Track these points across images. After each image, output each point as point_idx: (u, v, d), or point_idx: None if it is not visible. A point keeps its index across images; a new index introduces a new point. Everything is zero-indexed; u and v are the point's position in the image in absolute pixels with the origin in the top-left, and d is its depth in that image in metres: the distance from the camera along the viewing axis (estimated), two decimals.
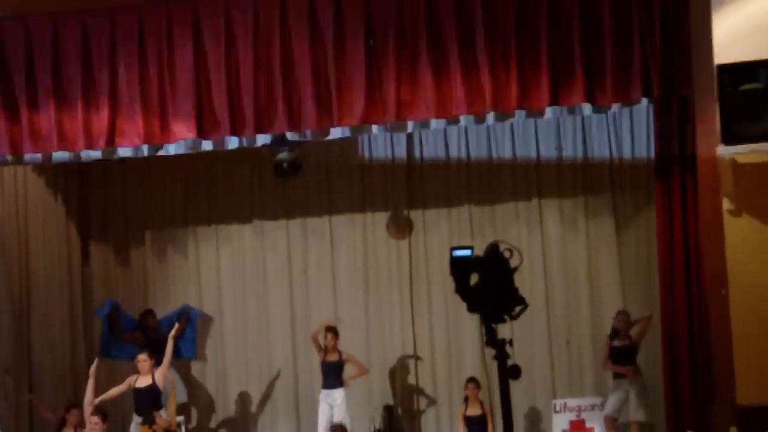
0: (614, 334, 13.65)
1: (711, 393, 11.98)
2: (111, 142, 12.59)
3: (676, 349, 12.33)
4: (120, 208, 16.10)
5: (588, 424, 13.02)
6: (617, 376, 13.58)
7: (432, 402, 15.24)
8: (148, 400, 13.18)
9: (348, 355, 14.23)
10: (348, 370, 14.23)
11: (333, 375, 14.11)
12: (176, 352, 14.00)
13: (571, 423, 13.10)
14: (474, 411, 13.53)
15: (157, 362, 13.19)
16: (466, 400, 13.64)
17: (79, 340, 15.42)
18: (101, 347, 14.97)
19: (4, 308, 14.22)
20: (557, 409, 13.30)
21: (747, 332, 11.27)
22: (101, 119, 12.49)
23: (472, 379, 13.67)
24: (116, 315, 15.01)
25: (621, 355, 13.53)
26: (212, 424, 15.60)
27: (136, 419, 13.25)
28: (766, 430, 9.49)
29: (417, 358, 15.33)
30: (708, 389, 12.03)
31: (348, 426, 13.77)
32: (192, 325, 15.21)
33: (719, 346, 11.70)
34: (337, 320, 14.47)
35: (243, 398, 15.63)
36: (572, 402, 13.34)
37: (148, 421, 12.60)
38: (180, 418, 13.99)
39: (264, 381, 15.63)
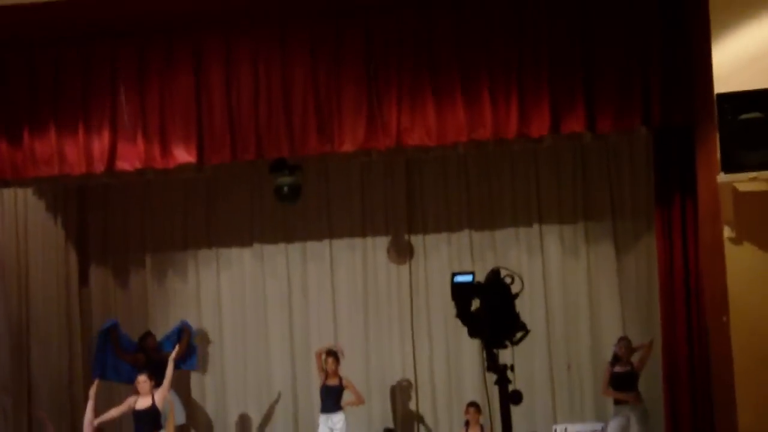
0: (615, 359, 13.64)
1: (711, 420, 11.96)
2: (111, 166, 12.63)
3: (677, 376, 12.31)
4: (119, 230, 16.10)
5: None
6: (618, 402, 13.56)
7: (433, 426, 15.22)
8: (148, 422, 13.17)
9: (348, 382, 14.20)
10: (346, 396, 14.21)
11: (332, 399, 14.09)
12: (180, 365, 14.00)
13: None
14: None
15: (157, 384, 13.18)
16: (467, 424, 13.63)
17: (77, 361, 15.39)
18: (94, 366, 14.85)
19: (3, 329, 14.24)
20: None
21: (748, 360, 11.25)
22: (102, 143, 12.54)
23: (473, 404, 13.67)
24: (116, 335, 14.97)
25: (622, 381, 13.51)
26: None
27: None
28: None
29: (416, 383, 15.31)
30: (708, 417, 12.01)
31: None
32: (192, 340, 15.14)
33: (720, 374, 11.68)
34: (339, 350, 14.43)
35: (243, 420, 15.60)
36: (572, 428, 13.31)
37: None
38: None
39: (263, 404, 15.61)
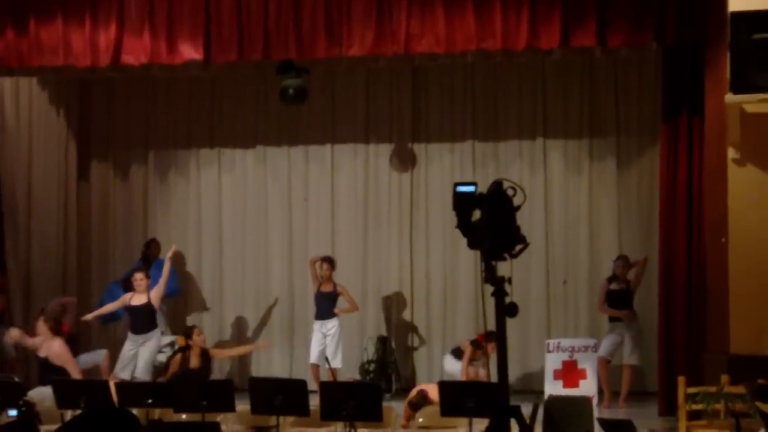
0: (613, 277, 13.67)
1: (704, 340, 12.05)
2: (116, 59, 12.56)
3: (673, 295, 12.37)
4: (122, 126, 16.06)
5: (580, 366, 13.06)
6: (613, 319, 13.63)
7: (426, 337, 15.30)
8: (143, 318, 13.27)
9: (342, 289, 14.21)
10: (340, 303, 14.25)
11: (327, 306, 14.11)
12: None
13: (564, 363, 13.13)
14: None
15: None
16: (474, 355, 13.42)
17: (72, 249, 15.52)
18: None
19: (6, 215, 14.38)
20: (550, 348, 13.33)
21: (744, 282, 11.32)
22: (108, 35, 12.46)
23: (490, 334, 13.05)
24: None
25: (618, 299, 13.57)
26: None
27: (131, 337, 13.32)
28: (757, 379, 9.52)
29: (411, 292, 15.38)
30: (702, 336, 12.09)
31: (340, 355, 13.84)
32: (173, 268, 14.85)
33: (715, 294, 11.76)
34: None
35: (239, 323, 15.70)
36: (566, 342, 13.36)
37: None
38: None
39: (261, 307, 15.69)
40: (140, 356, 13.21)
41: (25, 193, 14.73)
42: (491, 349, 12.85)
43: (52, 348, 12.18)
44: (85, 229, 15.80)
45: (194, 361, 12.78)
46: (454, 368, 13.65)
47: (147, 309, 13.27)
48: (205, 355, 12.87)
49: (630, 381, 13.48)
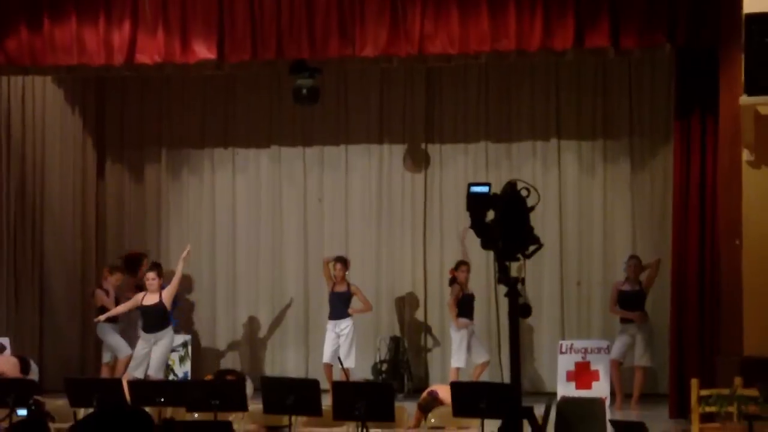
0: (625, 278, 13.66)
1: (717, 342, 12.01)
2: (131, 58, 12.58)
3: (685, 297, 12.35)
4: (136, 125, 16.06)
5: (593, 367, 12.99)
6: (624, 320, 13.62)
7: (440, 337, 15.26)
8: (155, 318, 13.30)
9: (356, 288, 14.24)
10: (354, 303, 14.26)
11: (340, 306, 14.13)
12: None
13: (576, 365, 13.07)
14: None
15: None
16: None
17: (90, 250, 15.52)
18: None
19: (18, 215, 14.39)
20: (563, 350, 13.27)
21: (758, 284, 11.29)
22: (122, 34, 12.48)
23: None
24: None
25: (629, 300, 13.56)
26: (221, 347, 15.67)
27: (144, 336, 13.35)
28: None
29: (425, 293, 15.35)
30: (714, 338, 12.06)
31: (353, 355, 13.86)
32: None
33: (728, 297, 11.73)
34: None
35: (251, 323, 15.67)
36: (579, 344, 13.30)
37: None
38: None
39: (275, 307, 15.68)
40: (153, 355, 13.24)
41: (40, 192, 14.77)
42: (461, 273, 13.92)
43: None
44: (101, 229, 15.82)
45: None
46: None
47: (159, 308, 13.29)
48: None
49: (642, 382, 13.48)
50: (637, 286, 13.61)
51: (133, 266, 14.60)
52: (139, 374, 13.08)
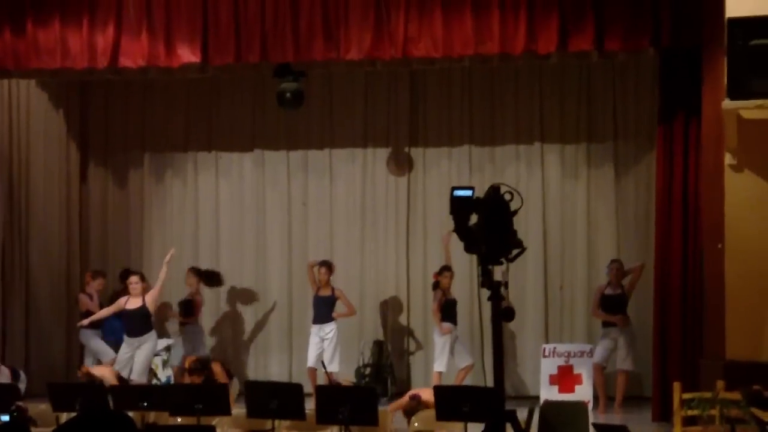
0: (609, 282, 13.69)
1: (700, 346, 12.03)
2: (114, 61, 12.56)
3: (668, 301, 12.37)
4: (120, 128, 16.02)
5: (576, 371, 13.00)
6: (606, 324, 13.64)
7: (423, 341, 15.25)
8: (138, 322, 13.27)
9: (340, 293, 14.24)
10: (338, 307, 14.24)
11: (324, 310, 14.12)
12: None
13: (559, 368, 13.08)
14: None
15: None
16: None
17: (75, 254, 15.46)
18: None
19: (5, 218, 14.38)
20: (546, 353, 13.27)
21: (740, 288, 11.31)
22: (106, 37, 12.45)
23: None
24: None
25: (612, 304, 13.58)
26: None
27: (127, 340, 13.32)
28: (752, 385, 9.52)
29: (408, 297, 15.35)
30: (697, 342, 12.08)
31: (337, 359, 13.85)
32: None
33: (711, 300, 11.75)
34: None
35: (236, 326, 15.62)
36: (562, 348, 13.31)
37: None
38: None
39: (258, 311, 15.65)
40: (136, 359, 13.21)
41: (26, 196, 14.71)
42: (444, 279, 13.92)
43: None
44: (85, 233, 15.75)
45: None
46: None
47: (142, 312, 13.27)
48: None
49: (625, 386, 13.50)
50: (619, 289, 13.63)
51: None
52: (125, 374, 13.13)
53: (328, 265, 14.24)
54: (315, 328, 14.12)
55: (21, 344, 14.50)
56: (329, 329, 14.05)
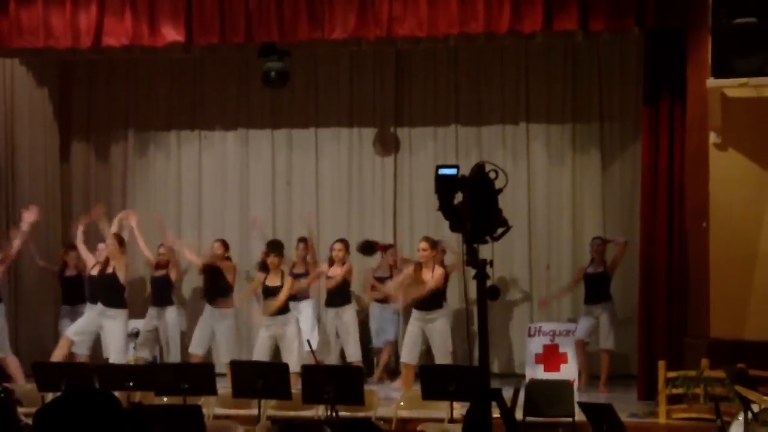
0: (591, 260, 13.71)
1: (685, 325, 12.08)
2: (98, 41, 12.51)
3: (653, 280, 12.39)
4: (103, 108, 15.96)
5: (561, 350, 13.08)
6: (589, 302, 13.63)
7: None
8: (104, 290, 13.11)
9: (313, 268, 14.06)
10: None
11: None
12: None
13: (545, 347, 13.15)
14: None
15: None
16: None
17: (57, 232, 15.44)
18: None
19: None
20: (532, 332, 13.34)
21: (724, 266, 11.36)
22: (89, 16, 12.40)
23: None
24: None
25: (594, 282, 13.58)
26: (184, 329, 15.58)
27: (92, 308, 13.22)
28: (736, 363, 9.57)
29: None
30: (682, 321, 12.13)
31: (316, 336, 13.76)
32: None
33: (696, 279, 11.79)
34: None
35: None
36: (547, 326, 13.38)
37: None
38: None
39: (241, 289, 15.60)
40: (110, 340, 12.98)
41: (11, 173, 14.64)
42: (391, 256, 14.24)
43: None
44: (67, 211, 15.71)
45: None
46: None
47: (110, 279, 13.07)
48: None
49: (608, 366, 13.51)
50: (601, 268, 13.61)
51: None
52: (82, 350, 13.01)
53: (305, 242, 14.18)
54: (290, 305, 13.99)
55: (12, 324, 14.43)
56: (303, 306, 13.98)
